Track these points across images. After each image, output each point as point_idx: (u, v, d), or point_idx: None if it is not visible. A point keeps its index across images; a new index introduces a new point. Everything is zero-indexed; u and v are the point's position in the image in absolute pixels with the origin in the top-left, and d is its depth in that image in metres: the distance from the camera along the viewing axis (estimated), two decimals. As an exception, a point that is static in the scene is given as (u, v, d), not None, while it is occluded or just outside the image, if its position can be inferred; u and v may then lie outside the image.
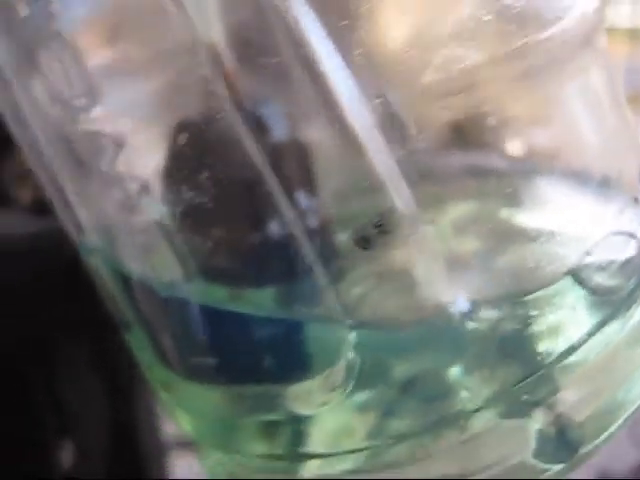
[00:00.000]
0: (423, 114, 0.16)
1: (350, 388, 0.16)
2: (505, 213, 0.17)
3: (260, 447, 0.18)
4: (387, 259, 0.15)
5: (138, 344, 0.20)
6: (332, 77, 0.14)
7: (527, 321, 0.16)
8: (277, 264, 0.16)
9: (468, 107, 0.16)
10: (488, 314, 0.16)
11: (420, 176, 0.16)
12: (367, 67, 0.14)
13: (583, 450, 0.17)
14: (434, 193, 0.17)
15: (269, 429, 0.18)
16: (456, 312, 0.15)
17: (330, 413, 0.17)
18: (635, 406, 0.18)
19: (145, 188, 0.16)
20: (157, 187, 0.16)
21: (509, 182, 0.17)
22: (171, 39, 0.15)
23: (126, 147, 0.16)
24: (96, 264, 0.20)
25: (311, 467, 0.18)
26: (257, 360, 0.17)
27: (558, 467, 0.17)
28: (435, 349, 0.16)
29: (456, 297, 0.15)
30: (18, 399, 0.30)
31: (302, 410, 0.16)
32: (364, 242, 0.15)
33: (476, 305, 0.15)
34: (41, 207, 0.30)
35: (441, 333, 0.15)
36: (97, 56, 0.16)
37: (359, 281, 0.16)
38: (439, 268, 0.15)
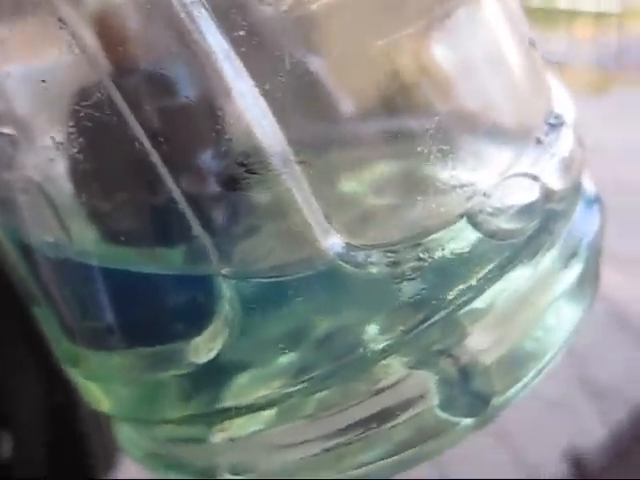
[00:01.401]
0: (338, 76, 0.15)
1: (226, 336, 0.15)
2: (419, 171, 0.17)
3: (175, 410, 0.17)
4: (264, 205, 0.15)
5: (44, 318, 0.19)
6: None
7: (423, 264, 0.15)
8: (158, 223, 0.16)
9: (354, 34, 0.15)
10: (382, 259, 0.15)
11: (344, 142, 0.16)
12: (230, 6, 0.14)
13: (494, 402, 0.17)
14: (356, 157, 0.16)
15: (185, 394, 0.17)
16: (333, 255, 0.15)
17: (240, 367, 0.16)
18: (546, 358, 0.17)
19: (18, 143, 0.15)
20: (32, 142, 0.15)
21: (422, 141, 0.17)
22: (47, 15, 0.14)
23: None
24: (-1, 237, 0.19)
25: (221, 430, 0.17)
26: (151, 320, 0.16)
27: (468, 421, 0.17)
28: (323, 297, 0.15)
29: (334, 241, 0.15)
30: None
31: (195, 359, 0.16)
32: (232, 182, 0.14)
33: (354, 248, 0.15)
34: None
35: (324, 278, 0.15)
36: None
37: (242, 232, 0.15)
38: (316, 210, 0.15)
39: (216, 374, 0.17)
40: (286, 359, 0.16)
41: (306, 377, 0.16)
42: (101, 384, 0.19)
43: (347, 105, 0.16)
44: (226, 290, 0.15)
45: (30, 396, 0.33)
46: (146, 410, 0.18)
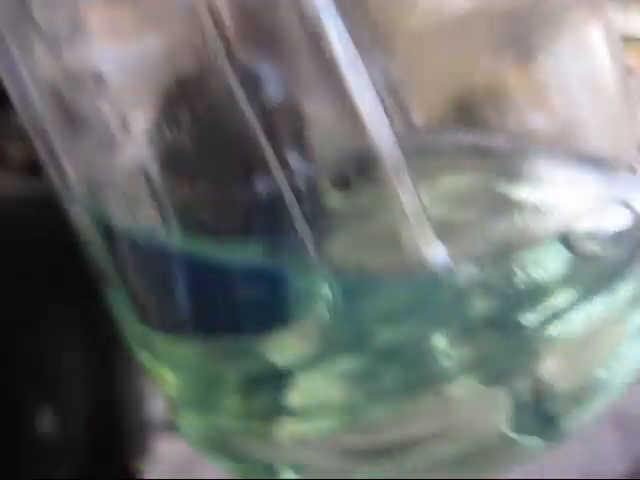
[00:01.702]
0: (424, 90, 0.16)
1: (318, 336, 0.16)
2: (500, 187, 0.17)
3: (240, 403, 0.18)
4: (371, 210, 0.15)
5: (117, 299, 0.20)
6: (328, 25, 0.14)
7: (511, 280, 0.15)
8: (263, 220, 0.16)
9: (460, 61, 0.15)
10: (472, 271, 0.15)
11: (419, 153, 0.16)
12: (361, 18, 0.14)
13: (564, 426, 0.17)
14: (431, 166, 0.17)
15: (250, 384, 0.17)
16: (436, 265, 0.15)
17: (309, 374, 0.17)
18: (617, 387, 0.17)
19: (125, 124, 0.15)
20: (140, 125, 0.16)
21: (505, 159, 0.17)
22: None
23: (109, 82, 0.15)
24: (81, 216, 0.20)
25: (287, 428, 0.17)
26: (236, 311, 0.17)
27: (536, 442, 0.17)
28: (415, 310, 0.16)
29: (437, 251, 0.15)
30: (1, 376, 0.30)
31: (274, 358, 0.16)
32: (342, 182, 0.14)
33: (457, 260, 0.15)
34: (31, 167, 0.30)
35: (421, 290, 0.15)
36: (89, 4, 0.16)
37: (344, 234, 0.15)
38: (422, 219, 0.15)
39: (283, 372, 0.17)
40: (353, 365, 0.17)
41: (372, 385, 0.16)
42: (168, 367, 0.19)
43: (438, 115, 0.16)
44: (325, 289, 0.15)
45: (74, 374, 0.33)
46: (210, 398, 0.18)
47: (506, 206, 0.17)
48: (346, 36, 0.14)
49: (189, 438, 0.20)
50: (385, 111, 0.14)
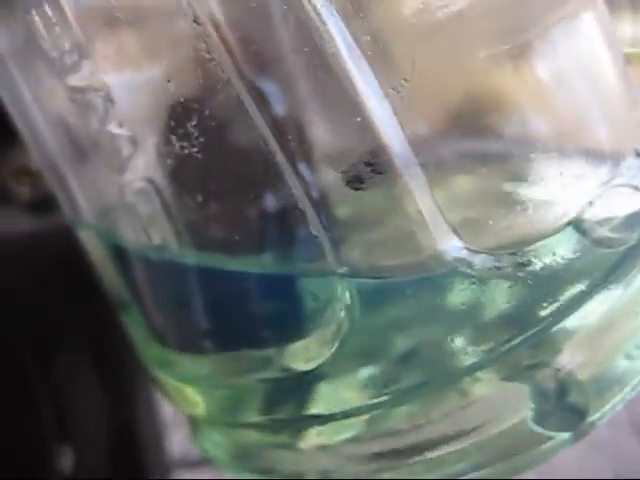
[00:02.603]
0: (422, 99, 0.16)
1: (336, 347, 0.16)
2: (507, 186, 0.17)
3: (264, 415, 0.17)
4: (385, 205, 0.15)
5: (133, 323, 0.20)
6: (329, 23, 0.14)
7: (528, 270, 0.15)
8: (276, 232, 0.16)
9: (457, 59, 0.15)
10: (488, 263, 0.15)
11: (422, 162, 0.16)
12: (359, 11, 0.14)
13: (590, 417, 0.17)
14: (437, 173, 0.17)
15: (273, 396, 0.17)
16: (453, 258, 0.15)
17: (331, 382, 0.17)
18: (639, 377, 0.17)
19: (134, 143, 0.16)
20: (148, 143, 0.16)
21: (510, 163, 0.17)
22: (176, 13, 0.15)
23: (115, 102, 0.16)
24: (93, 243, 0.20)
25: (311, 437, 0.17)
26: (255, 321, 0.17)
27: (562, 435, 0.17)
28: (433, 306, 0.16)
29: (453, 244, 0.15)
30: (18, 400, 0.30)
31: (297, 366, 0.16)
32: (356, 181, 0.14)
33: (473, 252, 0.15)
34: (39, 204, 0.30)
35: (438, 286, 0.15)
36: (91, 25, 0.16)
37: (359, 232, 0.15)
38: (436, 212, 0.15)
39: (305, 381, 0.17)
40: (374, 369, 0.16)
41: (394, 388, 0.16)
42: (192, 387, 0.19)
43: (448, 113, 0.16)
44: (345, 296, 0.15)
45: (92, 411, 0.33)
46: (235, 413, 0.18)
47: (517, 203, 0.17)
48: (353, 45, 0.14)
49: (213, 456, 0.19)
50: (393, 103, 0.14)
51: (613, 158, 0.17)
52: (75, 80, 0.16)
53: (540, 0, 0.15)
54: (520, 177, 0.17)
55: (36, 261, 0.29)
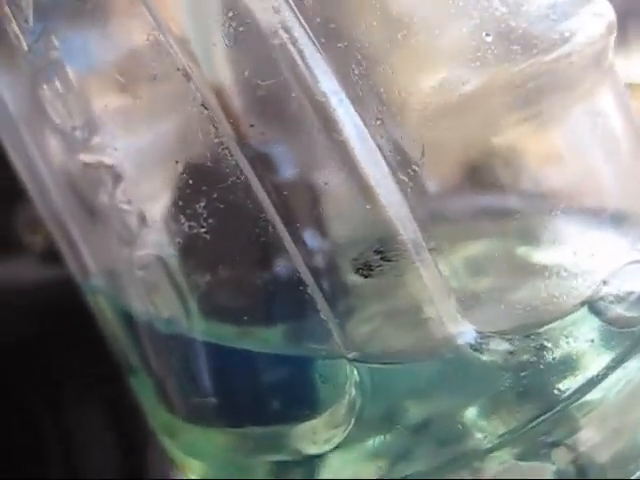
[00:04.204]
0: (436, 155, 0.16)
1: (352, 425, 0.15)
2: (521, 251, 0.17)
3: None
4: (394, 291, 0.15)
5: (142, 388, 0.20)
6: (338, 111, 0.14)
7: (542, 354, 0.15)
8: (284, 303, 0.16)
9: (472, 133, 0.15)
10: (501, 347, 0.15)
11: (434, 218, 0.16)
12: (369, 95, 0.14)
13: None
14: (448, 233, 0.16)
15: (279, 471, 0.17)
16: (464, 344, 0.15)
17: (341, 453, 0.16)
18: None
19: (143, 220, 0.16)
20: (157, 220, 0.16)
21: (524, 221, 0.17)
22: (176, 84, 0.15)
23: (125, 179, 0.15)
24: (101, 305, 0.20)
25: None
26: (262, 400, 0.16)
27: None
28: (446, 385, 0.15)
29: (464, 328, 0.15)
30: (28, 447, 0.29)
31: (307, 449, 0.16)
32: (365, 269, 0.14)
33: (485, 337, 0.15)
34: (52, 254, 0.30)
35: (450, 367, 0.15)
36: (101, 98, 0.16)
37: (368, 316, 0.15)
38: (446, 297, 0.14)
39: (314, 457, 0.16)
40: (386, 441, 0.16)
41: (407, 461, 0.16)
42: (197, 458, 0.19)
43: (458, 184, 0.16)
44: (353, 374, 0.15)
45: (102, 459, 0.33)
46: None
47: (529, 271, 0.16)
48: (354, 113, 0.14)
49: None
50: (399, 183, 0.14)
51: (626, 229, 0.17)
52: (85, 156, 0.16)
53: (557, 80, 0.15)
54: (534, 239, 0.17)
55: (48, 310, 0.29)
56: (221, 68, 0.15)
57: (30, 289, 0.30)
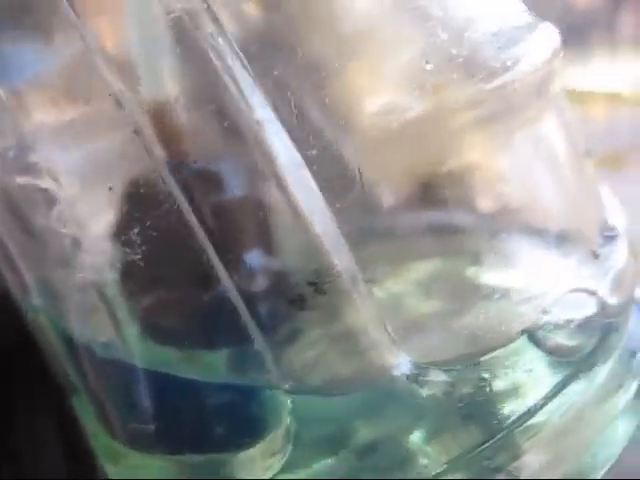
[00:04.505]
0: (379, 177, 0.15)
1: (288, 453, 0.15)
2: (468, 271, 0.17)
3: None
4: (330, 321, 0.15)
5: (84, 410, 0.19)
6: (272, 140, 0.14)
7: (482, 384, 0.15)
8: (221, 328, 0.16)
9: (414, 159, 0.15)
10: (439, 378, 0.15)
11: (382, 234, 0.16)
12: (306, 124, 0.14)
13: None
14: (397, 251, 0.16)
15: None
16: (400, 375, 0.14)
17: (287, 477, 0.16)
18: (600, 473, 0.17)
19: (78, 244, 0.15)
20: (92, 244, 0.15)
21: (472, 240, 0.17)
22: (108, 108, 0.14)
23: (59, 202, 0.15)
24: (41, 324, 0.19)
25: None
26: (201, 427, 0.16)
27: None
28: (388, 412, 0.15)
29: (401, 360, 0.14)
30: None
31: (246, 477, 0.15)
32: (299, 301, 0.14)
33: (422, 368, 0.15)
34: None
35: (390, 396, 0.15)
36: (34, 117, 0.16)
37: (304, 346, 0.15)
38: (381, 328, 0.14)
39: None
40: (330, 465, 0.16)
41: None
42: (139, 484, 0.18)
43: (405, 199, 0.16)
44: (287, 402, 0.15)
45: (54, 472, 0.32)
46: None
47: (475, 293, 0.16)
48: (288, 143, 0.14)
49: None
50: (335, 213, 0.14)
51: (570, 258, 0.17)
52: (19, 178, 0.15)
53: (500, 108, 0.15)
54: (480, 258, 0.17)
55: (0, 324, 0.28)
56: (164, 85, 0.15)
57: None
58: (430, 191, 0.16)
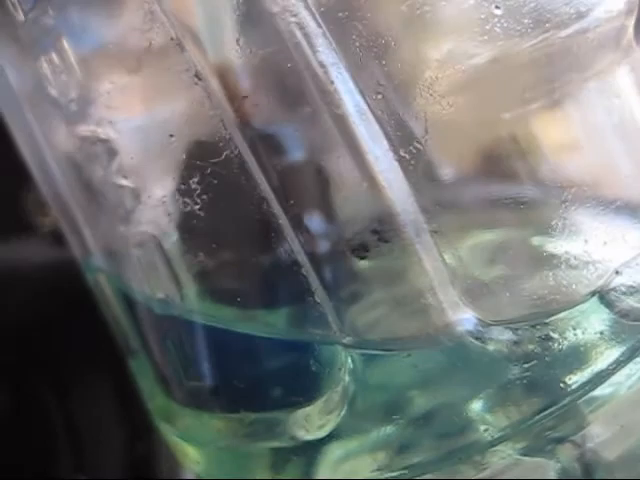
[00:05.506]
0: (442, 134, 0.15)
1: (344, 412, 0.15)
2: (532, 240, 0.16)
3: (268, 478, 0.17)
4: (394, 275, 0.14)
5: (141, 371, 0.19)
6: (337, 84, 0.14)
7: (548, 345, 0.14)
8: (280, 285, 0.15)
9: (480, 111, 0.15)
10: (504, 336, 0.14)
11: (441, 203, 0.15)
12: (370, 67, 0.14)
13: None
14: (456, 221, 0.16)
15: (277, 459, 0.17)
16: (465, 332, 0.14)
17: (339, 444, 0.16)
18: None
19: (137, 196, 0.15)
20: (151, 196, 0.15)
21: (537, 211, 0.16)
22: (170, 55, 0.14)
23: (120, 154, 0.15)
24: (101, 286, 0.19)
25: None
26: (257, 385, 0.16)
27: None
28: (449, 376, 0.15)
29: (466, 316, 0.14)
30: (35, 431, 0.29)
31: (301, 435, 0.15)
32: (361, 250, 0.14)
33: (487, 325, 0.14)
34: (62, 236, 0.29)
35: (452, 356, 0.14)
36: (96, 73, 0.16)
37: (368, 302, 0.15)
38: (447, 283, 0.14)
39: (312, 446, 0.16)
40: (386, 432, 0.16)
41: (407, 454, 0.15)
42: (194, 444, 0.18)
43: (470, 171, 0.16)
44: (347, 361, 0.14)
45: (109, 444, 0.33)
46: (239, 475, 0.18)
47: (540, 261, 0.16)
48: (353, 86, 0.13)
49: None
50: (400, 161, 0.14)
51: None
52: (81, 129, 0.15)
53: (571, 58, 0.15)
54: (548, 229, 0.16)
55: (57, 292, 0.29)
56: (224, 41, 0.14)
57: (39, 270, 0.30)
58: (493, 161, 0.16)
